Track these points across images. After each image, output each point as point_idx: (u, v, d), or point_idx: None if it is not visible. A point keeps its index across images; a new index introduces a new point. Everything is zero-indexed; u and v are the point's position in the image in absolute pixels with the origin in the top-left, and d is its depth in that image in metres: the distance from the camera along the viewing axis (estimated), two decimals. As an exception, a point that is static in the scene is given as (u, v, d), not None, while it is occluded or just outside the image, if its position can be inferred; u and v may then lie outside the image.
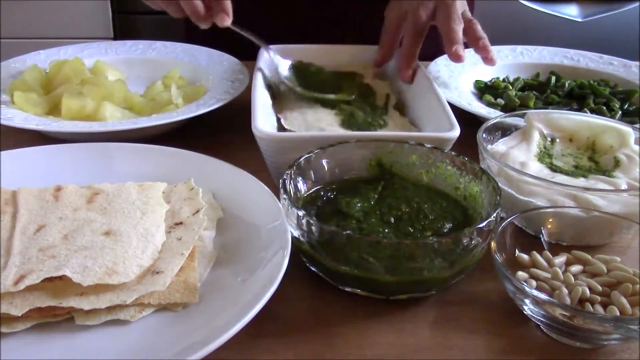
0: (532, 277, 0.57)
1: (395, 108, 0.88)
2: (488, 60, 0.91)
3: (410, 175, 0.69)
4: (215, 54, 1.05)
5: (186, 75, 1.02)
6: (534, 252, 0.60)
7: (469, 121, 0.78)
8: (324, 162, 0.67)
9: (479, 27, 0.91)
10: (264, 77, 0.89)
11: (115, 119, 0.86)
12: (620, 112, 0.94)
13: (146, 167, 0.72)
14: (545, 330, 0.56)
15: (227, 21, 0.86)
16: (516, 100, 0.95)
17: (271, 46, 0.95)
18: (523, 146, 0.76)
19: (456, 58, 0.88)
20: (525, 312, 0.55)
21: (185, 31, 1.31)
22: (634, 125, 0.78)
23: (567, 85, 1.01)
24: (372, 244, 0.56)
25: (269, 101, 0.86)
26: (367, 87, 0.94)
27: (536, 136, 0.77)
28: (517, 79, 1.04)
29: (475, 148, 0.72)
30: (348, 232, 0.55)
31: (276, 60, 0.92)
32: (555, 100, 0.97)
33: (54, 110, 0.89)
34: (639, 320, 0.50)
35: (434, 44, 1.19)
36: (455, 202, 0.66)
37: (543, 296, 0.52)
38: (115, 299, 0.53)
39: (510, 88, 0.99)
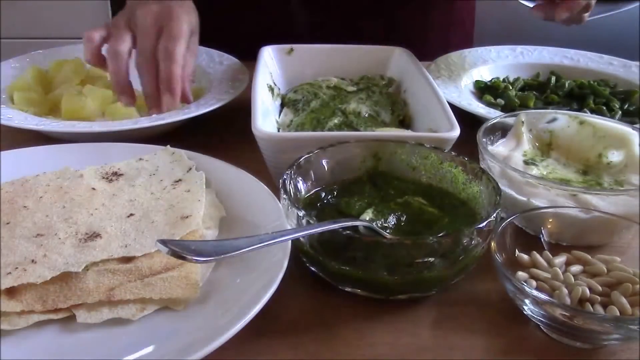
0: (532, 277, 0.57)
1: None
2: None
3: (409, 175, 0.69)
4: (215, 54, 1.05)
5: (186, 75, 1.02)
6: (534, 252, 0.60)
7: (469, 121, 0.78)
8: (324, 162, 0.67)
9: None
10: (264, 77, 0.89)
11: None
12: (620, 112, 0.94)
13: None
14: (545, 330, 0.56)
15: (174, 105, 0.84)
16: (516, 100, 0.95)
17: (275, 46, 0.96)
18: (519, 148, 0.76)
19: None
20: (525, 312, 0.55)
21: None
22: (634, 125, 0.78)
23: (567, 85, 1.01)
24: (371, 244, 0.56)
25: (269, 101, 0.86)
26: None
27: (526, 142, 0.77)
28: (517, 79, 1.04)
29: (475, 148, 0.72)
30: (348, 232, 0.55)
31: None
32: (555, 100, 0.97)
33: (54, 110, 0.90)
34: (639, 320, 0.50)
35: (435, 44, 1.20)
36: (455, 202, 0.66)
37: (543, 296, 0.52)
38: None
39: (510, 88, 0.99)
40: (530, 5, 0.93)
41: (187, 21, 0.88)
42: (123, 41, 0.85)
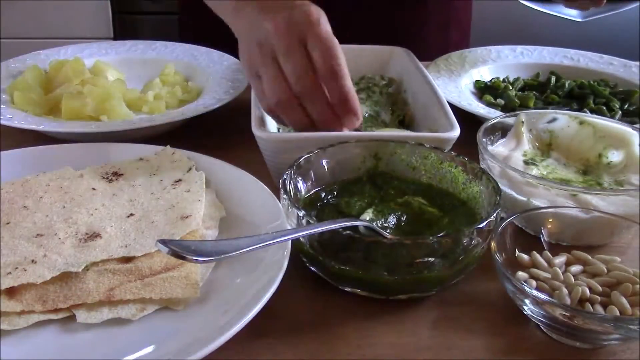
0: (532, 277, 0.57)
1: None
2: None
3: (409, 175, 0.69)
4: (215, 54, 1.05)
5: (186, 75, 1.02)
6: (534, 252, 0.60)
7: (469, 121, 0.78)
8: (324, 162, 0.67)
9: None
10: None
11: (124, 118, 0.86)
12: (620, 112, 0.94)
13: (146, 167, 0.72)
14: (545, 330, 0.56)
15: (357, 123, 0.71)
16: (516, 100, 0.95)
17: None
18: (520, 148, 0.76)
19: None
20: (525, 312, 0.55)
21: (179, 31, 1.31)
22: (634, 125, 0.78)
23: (567, 85, 1.01)
24: (371, 244, 0.56)
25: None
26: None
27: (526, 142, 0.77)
28: (517, 79, 1.04)
29: (475, 148, 0.72)
30: (348, 232, 0.55)
31: None
32: (555, 101, 0.97)
33: (54, 110, 0.89)
34: (639, 320, 0.50)
35: (434, 44, 1.20)
36: (455, 202, 0.66)
37: (543, 296, 0.52)
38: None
39: (510, 88, 0.99)
40: (532, 5, 0.93)
41: (326, 19, 0.70)
42: (281, 86, 0.68)
